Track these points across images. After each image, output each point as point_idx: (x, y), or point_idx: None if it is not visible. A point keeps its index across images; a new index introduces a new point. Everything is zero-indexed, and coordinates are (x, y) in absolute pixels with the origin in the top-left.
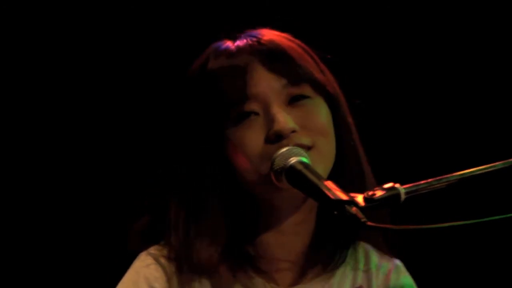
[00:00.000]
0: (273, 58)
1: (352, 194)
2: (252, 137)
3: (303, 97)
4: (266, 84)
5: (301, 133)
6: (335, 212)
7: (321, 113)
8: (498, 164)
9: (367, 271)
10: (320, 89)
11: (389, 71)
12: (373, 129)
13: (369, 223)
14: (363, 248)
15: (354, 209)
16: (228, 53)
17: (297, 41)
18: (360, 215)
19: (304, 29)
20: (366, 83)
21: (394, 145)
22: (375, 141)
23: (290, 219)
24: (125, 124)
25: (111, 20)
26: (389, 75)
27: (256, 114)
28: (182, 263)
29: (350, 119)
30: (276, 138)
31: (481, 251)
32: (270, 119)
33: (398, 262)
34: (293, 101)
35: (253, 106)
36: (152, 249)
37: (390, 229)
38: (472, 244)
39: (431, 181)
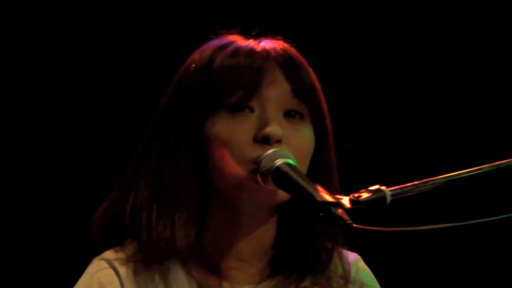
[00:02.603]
0: (294, 69)
1: (338, 196)
2: (242, 131)
3: (299, 115)
4: (275, 88)
5: (283, 146)
6: (321, 214)
7: (307, 137)
8: (485, 167)
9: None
10: (316, 117)
11: (381, 75)
12: (361, 132)
13: (354, 225)
14: (323, 247)
15: (340, 211)
16: (251, 51)
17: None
18: (346, 217)
19: (304, 30)
20: (358, 86)
21: (381, 148)
22: (362, 143)
23: (252, 224)
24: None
25: (100, 10)
26: (380, 79)
27: (252, 111)
28: (139, 258)
29: (334, 159)
30: (262, 140)
31: (468, 254)
32: (263, 121)
33: (356, 255)
34: (288, 115)
35: (254, 103)
36: (106, 254)
37: (376, 231)
38: (459, 246)
39: (417, 184)
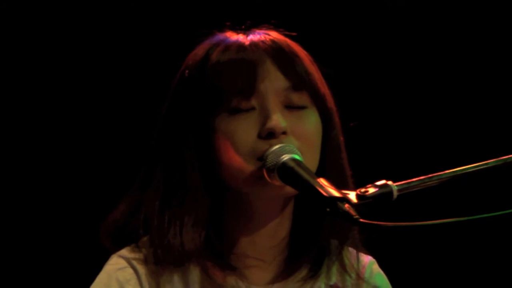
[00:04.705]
0: (284, 58)
1: (345, 191)
2: (246, 130)
3: (300, 107)
4: (271, 81)
5: (290, 137)
6: (328, 209)
7: (312, 123)
8: (491, 162)
9: (341, 268)
10: (318, 100)
11: (383, 71)
12: (367, 127)
13: (361, 220)
14: (336, 245)
15: (346, 206)
16: (240, 46)
17: (305, 51)
18: (352, 212)
19: (303, 29)
20: (361, 82)
21: (388, 143)
22: (369, 138)
23: (265, 220)
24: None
25: (103, 12)
26: (383, 75)
27: (253, 108)
28: (156, 260)
29: (341, 137)
30: (267, 135)
31: (474, 249)
32: (265, 116)
33: (371, 258)
34: (289, 106)
35: (253, 101)
36: (124, 252)
37: (382, 226)
38: (465, 241)
39: (423, 179)
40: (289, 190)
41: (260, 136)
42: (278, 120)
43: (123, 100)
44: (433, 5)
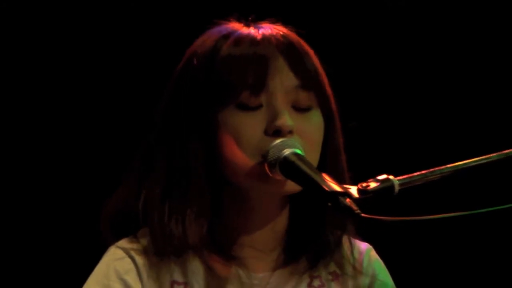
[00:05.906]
0: (295, 55)
1: (346, 186)
2: (253, 126)
3: (306, 109)
4: (281, 79)
5: (295, 137)
6: (329, 204)
7: (317, 124)
8: (493, 156)
9: (339, 256)
10: (324, 101)
11: (383, 67)
12: (369, 123)
13: (363, 214)
14: (335, 237)
15: (348, 200)
16: (253, 40)
17: (312, 49)
18: (354, 206)
19: (302, 28)
20: (361, 81)
21: (389, 137)
22: (370, 133)
23: (264, 216)
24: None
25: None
26: (383, 74)
27: (261, 104)
28: (156, 251)
29: (341, 139)
30: (274, 132)
31: (475, 243)
32: (273, 113)
33: (368, 245)
34: (296, 107)
35: (262, 98)
36: (122, 242)
37: (384, 221)
38: (466, 236)
39: (425, 173)
40: (290, 187)
41: (266, 133)
42: (286, 118)
43: (123, 93)
44: (433, 5)
